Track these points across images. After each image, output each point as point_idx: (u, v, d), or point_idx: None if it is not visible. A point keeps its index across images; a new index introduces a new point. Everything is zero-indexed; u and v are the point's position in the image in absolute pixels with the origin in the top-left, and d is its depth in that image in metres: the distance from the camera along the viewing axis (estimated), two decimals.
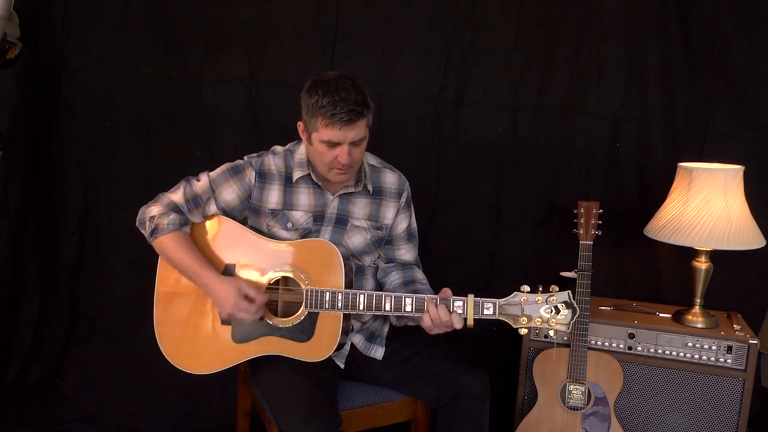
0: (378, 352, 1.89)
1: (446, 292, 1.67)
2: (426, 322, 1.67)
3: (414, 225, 2.00)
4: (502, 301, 1.63)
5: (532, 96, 2.49)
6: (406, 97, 2.49)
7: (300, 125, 1.77)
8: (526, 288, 1.62)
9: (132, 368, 2.58)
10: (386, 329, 1.95)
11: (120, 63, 2.49)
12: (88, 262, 2.59)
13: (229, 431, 2.25)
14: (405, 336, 1.94)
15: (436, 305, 1.64)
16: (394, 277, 1.93)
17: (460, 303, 1.65)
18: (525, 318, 1.61)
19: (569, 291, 1.60)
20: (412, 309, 1.67)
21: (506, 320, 1.62)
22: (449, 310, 1.64)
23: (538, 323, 1.61)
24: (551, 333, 1.60)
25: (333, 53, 2.48)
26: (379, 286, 1.97)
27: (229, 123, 2.52)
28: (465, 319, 1.64)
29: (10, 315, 2.55)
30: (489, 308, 1.63)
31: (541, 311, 1.61)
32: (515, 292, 1.63)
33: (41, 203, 2.55)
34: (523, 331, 1.63)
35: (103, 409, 2.56)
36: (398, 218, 1.94)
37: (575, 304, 1.60)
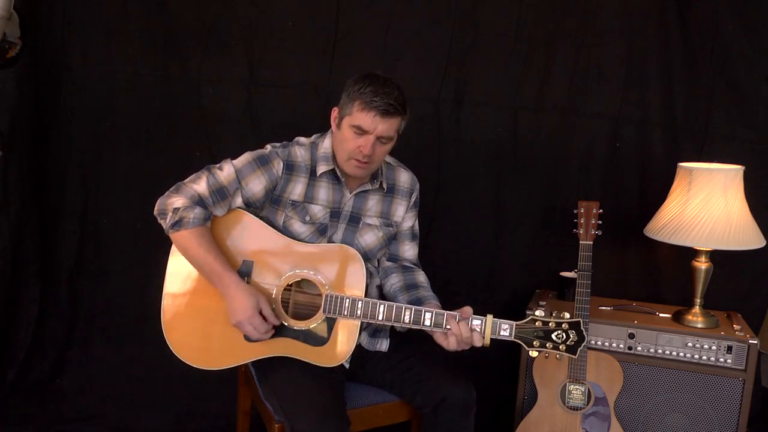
0: (383, 345, 1.89)
1: (467, 311, 1.67)
2: (452, 343, 1.66)
3: (417, 226, 2.02)
4: (519, 324, 1.64)
5: (532, 96, 2.49)
6: (406, 97, 2.48)
7: (334, 111, 1.80)
8: (540, 312, 1.65)
9: (132, 368, 2.58)
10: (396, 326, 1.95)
11: (120, 63, 2.48)
12: (88, 262, 2.59)
13: (229, 431, 2.25)
14: (403, 336, 1.94)
15: (457, 322, 1.65)
16: (395, 280, 1.93)
17: (479, 322, 1.65)
18: (537, 342, 1.63)
19: (581, 319, 1.64)
20: (431, 324, 1.67)
21: (520, 343, 1.64)
22: (469, 328, 1.65)
23: (548, 347, 1.63)
24: (557, 357, 1.64)
25: (333, 53, 2.48)
26: (380, 288, 1.97)
27: (229, 123, 2.52)
28: (482, 338, 1.65)
29: (10, 315, 2.54)
30: (506, 330, 1.65)
31: (552, 336, 1.63)
32: (531, 316, 1.64)
33: (41, 203, 2.54)
34: (534, 354, 1.65)
35: (103, 409, 2.56)
36: (406, 216, 1.97)
37: (585, 333, 1.63)
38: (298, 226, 1.81)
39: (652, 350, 2.15)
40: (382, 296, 1.95)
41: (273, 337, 1.73)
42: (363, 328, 1.89)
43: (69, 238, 2.57)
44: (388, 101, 1.69)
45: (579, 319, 1.64)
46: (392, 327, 1.94)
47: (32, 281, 2.56)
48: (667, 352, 2.14)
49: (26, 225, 2.52)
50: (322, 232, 1.83)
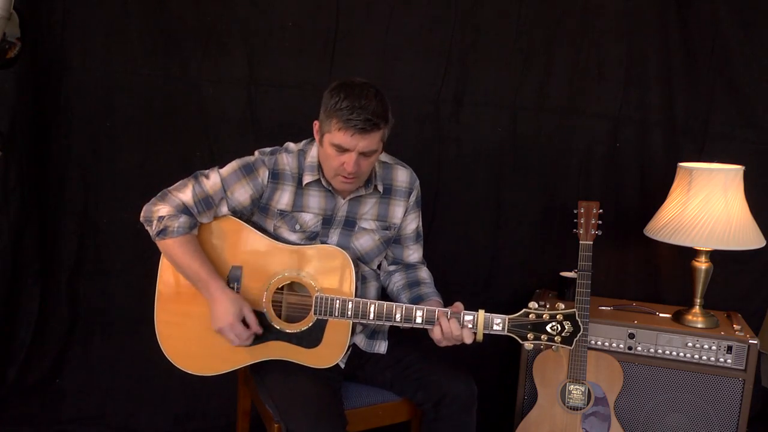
0: (381, 347, 1.89)
1: (458, 306, 1.67)
2: (437, 334, 1.65)
3: (421, 226, 1.99)
4: (511, 317, 1.63)
5: (532, 96, 2.49)
6: (406, 97, 2.49)
7: (315, 124, 1.74)
8: (535, 305, 1.63)
9: (132, 368, 2.58)
10: (388, 325, 1.94)
11: (120, 63, 2.48)
12: (88, 262, 2.59)
13: (229, 431, 2.25)
14: (402, 335, 1.94)
15: (448, 318, 1.64)
16: (397, 278, 1.92)
17: (471, 317, 1.64)
18: (532, 334, 1.62)
19: (575, 310, 1.62)
20: (422, 321, 1.66)
21: (514, 336, 1.63)
22: (460, 324, 1.64)
23: (543, 339, 1.62)
24: (553, 349, 1.62)
25: (333, 53, 2.48)
26: (382, 289, 1.97)
27: (229, 123, 2.52)
28: (474, 334, 1.64)
29: (10, 315, 2.55)
30: (498, 324, 1.63)
31: (547, 328, 1.62)
32: (524, 309, 1.63)
33: (41, 203, 2.54)
34: (529, 346, 1.64)
35: (103, 409, 2.56)
36: (408, 218, 1.93)
37: (580, 323, 1.62)
38: (287, 235, 1.79)
39: (652, 350, 2.15)
40: (385, 298, 1.93)
41: (267, 340, 1.73)
42: (360, 330, 1.89)
43: (69, 238, 2.57)
44: (366, 116, 1.60)
45: (574, 309, 1.62)
46: (391, 327, 1.94)
47: (32, 281, 2.56)
48: (667, 352, 2.14)
49: (26, 225, 2.52)
50: (312, 239, 1.81)
